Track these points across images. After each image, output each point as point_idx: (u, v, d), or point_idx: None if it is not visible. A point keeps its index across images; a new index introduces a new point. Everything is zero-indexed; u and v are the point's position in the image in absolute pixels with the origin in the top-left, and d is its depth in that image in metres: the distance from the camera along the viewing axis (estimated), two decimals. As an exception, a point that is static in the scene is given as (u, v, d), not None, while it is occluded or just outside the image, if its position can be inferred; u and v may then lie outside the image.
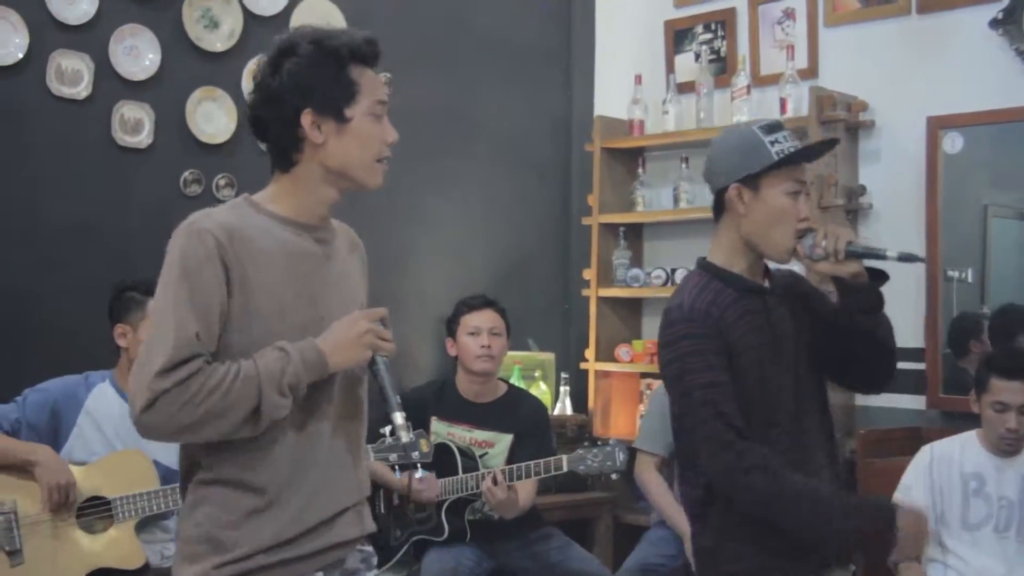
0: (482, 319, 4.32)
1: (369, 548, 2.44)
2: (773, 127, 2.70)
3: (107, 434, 3.59)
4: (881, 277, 2.70)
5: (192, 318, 2.09)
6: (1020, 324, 4.40)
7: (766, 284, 2.77)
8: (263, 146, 2.33)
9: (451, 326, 4.40)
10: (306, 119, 2.20)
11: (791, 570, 2.67)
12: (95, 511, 3.49)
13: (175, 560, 2.25)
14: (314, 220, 2.28)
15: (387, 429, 3.87)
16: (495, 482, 3.96)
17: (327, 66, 2.21)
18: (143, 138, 4.42)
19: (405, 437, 2.24)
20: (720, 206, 2.75)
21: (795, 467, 2.62)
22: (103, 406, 3.62)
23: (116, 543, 3.49)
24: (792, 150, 2.66)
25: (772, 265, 2.81)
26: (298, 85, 2.21)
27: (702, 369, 2.62)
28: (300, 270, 2.22)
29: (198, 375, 2.06)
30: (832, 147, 2.89)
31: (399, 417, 2.25)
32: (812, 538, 2.66)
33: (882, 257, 2.62)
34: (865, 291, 2.67)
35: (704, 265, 2.78)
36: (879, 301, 2.69)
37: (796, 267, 2.90)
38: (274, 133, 2.25)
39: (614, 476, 4.19)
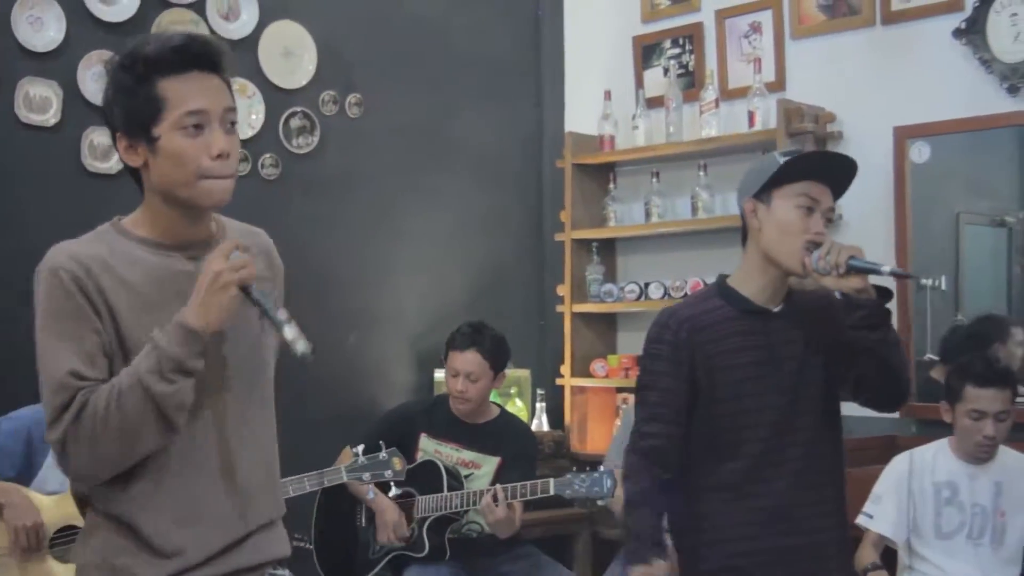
0: (462, 362, 4.21)
1: (283, 572, 2.36)
2: (793, 151, 2.83)
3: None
4: (887, 295, 2.71)
5: (64, 357, 1.98)
6: (998, 333, 4.42)
7: (777, 308, 2.81)
8: None
9: (445, 351, 4.33)
10: (121, 143, 2.06)
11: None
12: (68, 540, 3.47)
13: None
14: (186, 239, 2.12)
15: (359, 448, 3.88)
16: (495, 499, 3.94)
17: (127, 84, 2.02)
18: (113, 164, 4.40)
19: (302, 346, 1.98)
20: (746, 228, 2.84)
21: (758, 480, 2.74)
22: None
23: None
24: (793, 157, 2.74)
25: (798, 284, 2.86)
26: (107, 108, 2.07)
27: (652, 372, 2.82)
28: (171, 291, 2.06)
29: (85, 408, 1.96)
30: (843, 164, 2.82)
31: (289, 331, 2.01)
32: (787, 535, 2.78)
33: (877, 272, 2.63)
34: (868, 307, 2.67)
35: (718, 281, 2.88)
36: (882, 318, 2.70)
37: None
38: (119, 156, 2.12)
39: (600, 503, 4.11)
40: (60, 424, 1.96)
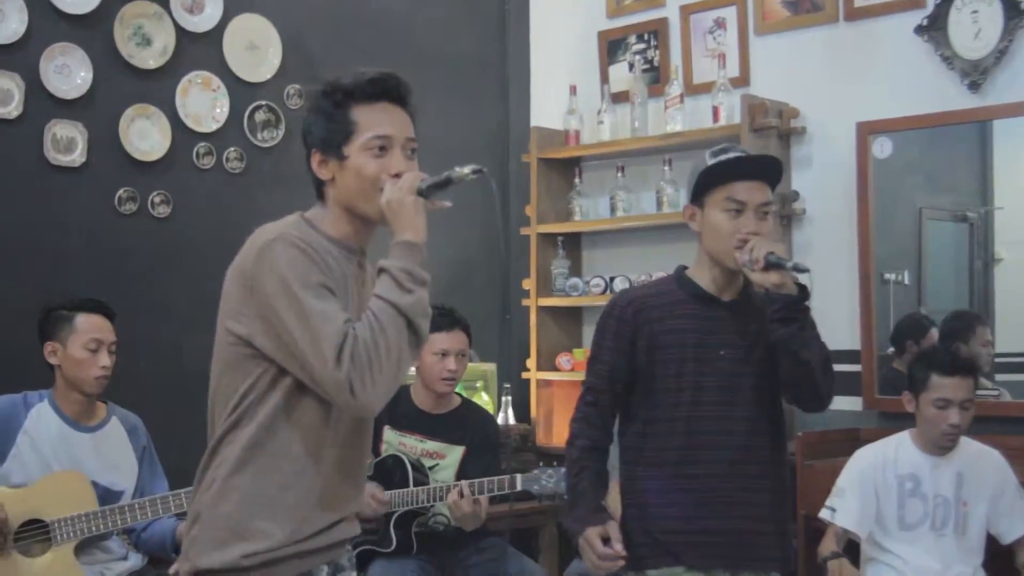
0: (451, 341, 4.23)
1: (350, 548, 2.58)
2: (721, 150, 2.89)
3: (45, 455, 3.55)
4: (805, 292, 2.80)
5: (333, 308, 2.19)
6: (964, 332, 4.47)
7: (729, 299, 2.91)
8: None
9: None
10: (314, 159, 2.36)
11: (682, 557, 2.86)
12: (33, 534, 3.45)
13: (195, 544, 2.29)
14: (358, 245, 2.42)
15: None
16: (461, 495, 3.95)
17: (326, 109, 2.35)
18: (76, 157, 4.38)
19: (471, 168, 2.43)
20: None
21: (694, 462, 2.85)
22: (42, 427, 3.59)
23: (54, 566, 3.45)
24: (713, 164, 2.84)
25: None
26: (307, 129, 2.39)
27: (597, 344, 2.99)
28: (352, 287, 2.37)
29: (356, 343, 2.15)
30: (767, 165, 2.91)
31: (455, 172, 2.42)
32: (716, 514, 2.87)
33: (784, 267, 2.74)
34: (782, 302, 2.77)
35: (677, 270, 3.01)
36: (794, 313, 2.77)
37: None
38: (308, 170, 2.41)
39: (567, 497, 4.11)
40: (343, 363, 2.13)
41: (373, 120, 2.35)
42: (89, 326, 3.64)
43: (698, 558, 2.85)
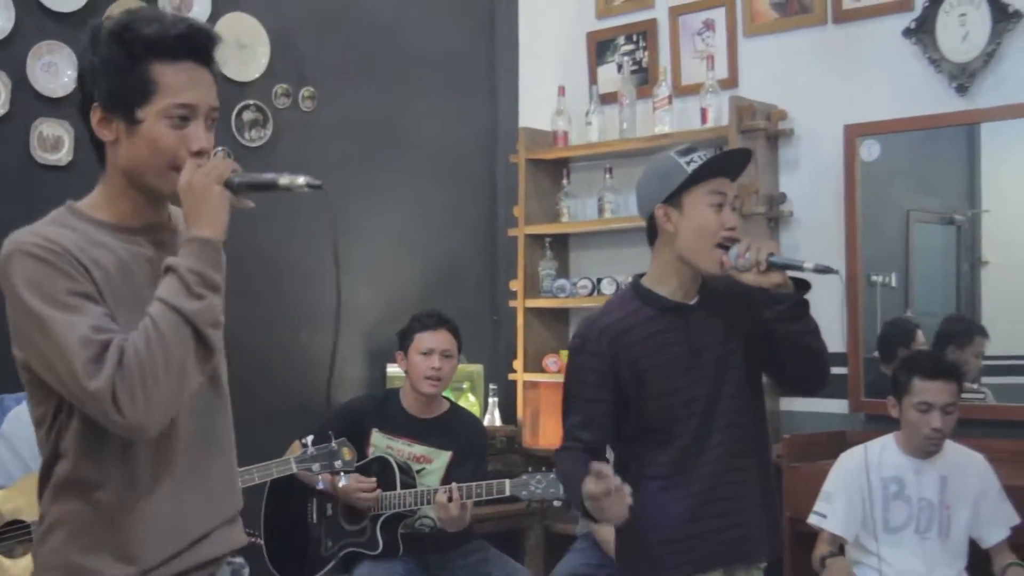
0: (436, 340, 4.25)
1: (239, 559, 2.34)
2: (688, 150, 2.88)
3: (24, 457, 3.53)
4: (804, 287, 2.81)
5: (78, 320, 1.89)
6: (966, 336, 4.47)
7: (693, 301, 2.90)
8: None
9: (404, 341, 4.34)
10: (95, 115, 2.01)
11: (685, 568, 2.85)
12: (15, 535, 3.43)
13: None
14: (146, 222, 2.09)
15: (308, 439, 3.87)
16: (450, 498, 3.95)
17: (119, 60, 1.98)
18: (63, 155, 4.37)
19: (304, 179, 2.03)
20: (653, 231, 2.92)
21: (688, 469, 2.83)
22: (20, 429, 3.56)
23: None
24: (702, 162, 2.81)
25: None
26: (89, 76, 2.02)
27: (575, 382, 2.90)
28: (142, 277, 2.03)
29: (125, 351, 1.87)
30: (743, 157, 2.95)
31: (286, 179, 2.05)
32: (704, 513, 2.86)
33: (799, 268, 2.73)
34: (789, 300, 2.77)
35: (633, 284, 2.96)
36: (803, 309, 2.80)
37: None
38: (84, 124, 2.07)
39: (556, 503, 4.11)
40: (101, 373, 1.85)
41: (177, 83, 1.98)
42: None
43: (696, 563, 2.85)
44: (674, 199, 2.83)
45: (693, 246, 2.82)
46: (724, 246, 2.79)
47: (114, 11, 4.48)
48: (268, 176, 2.07)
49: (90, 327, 1.89)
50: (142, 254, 2.06)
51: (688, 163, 2.82)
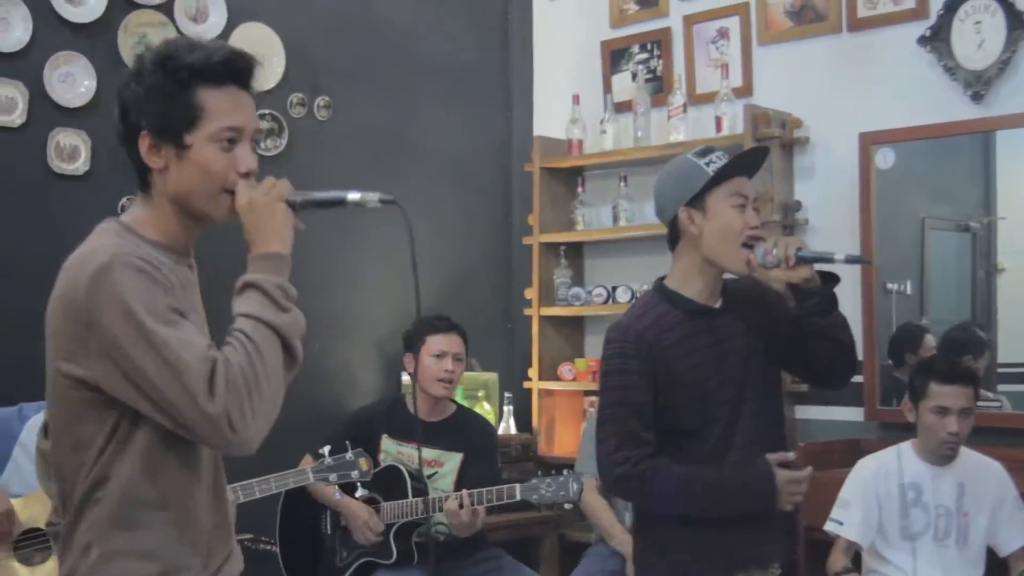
0: (449, 343, 4.28)
1: None
2: (706, 151, 2.87)
3: (43, 466, 3.55)
4: (833, 280, 2.83)
5: (191, 332, 1.92)
6: (974, 347, 4.46)
7: (718, 304, 2.90)
8: None
9: (412, 342, 4.35)
10: (143, 143, 2.03)
11: (703, 572, 2.84)
12: (33, 543, 3.45)
13: None
14: (187, 246, 2.12)
15: (326, 449, 3.88)
16: (461, 505, 3.95)
17: (165, 87, 2.01)
18: (80, 165, 4.39)
19: (375, 196, 2.11)
20: (675, 235, 2.91)
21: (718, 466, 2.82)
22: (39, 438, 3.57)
23: (56, 574, 3.44)
24: (721, 162, 2.82)
25: (728, 277, 2.94)
26: (134, 105, 2.04)
27: (620, 387, 2.82)
28: (192, 298, 2.09)
29: (230, 367, 1.88)
30: (761, 155, 2.96)
31: (354, 195, 2.11)
32: (726, 517, 2.81)
33: (830, 260, 2.76)
34: (819, 294, 2.79)
35: (657, 287, 2.95)
36: (832, 303, 2.83)
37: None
38: (127, 151, 2.10)
39: (567, 506, 4.12)
40: (216, 394, 1.86)
41: (222, 107, 2.02)
42: None
43: (715, 566, 2.85)
44: (697, 201, 2.82)
45: (719, 247, 2.81)
46: (749, 245, 2.79)
47: (131, 22, 4.50)
48: (333, 193, 2.12)
49: (203, 344, 1.90)
50: (188, 277, 2.10)
51: (707, 164, 2.81)
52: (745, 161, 2.88)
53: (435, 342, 4.27)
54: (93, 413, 1.96)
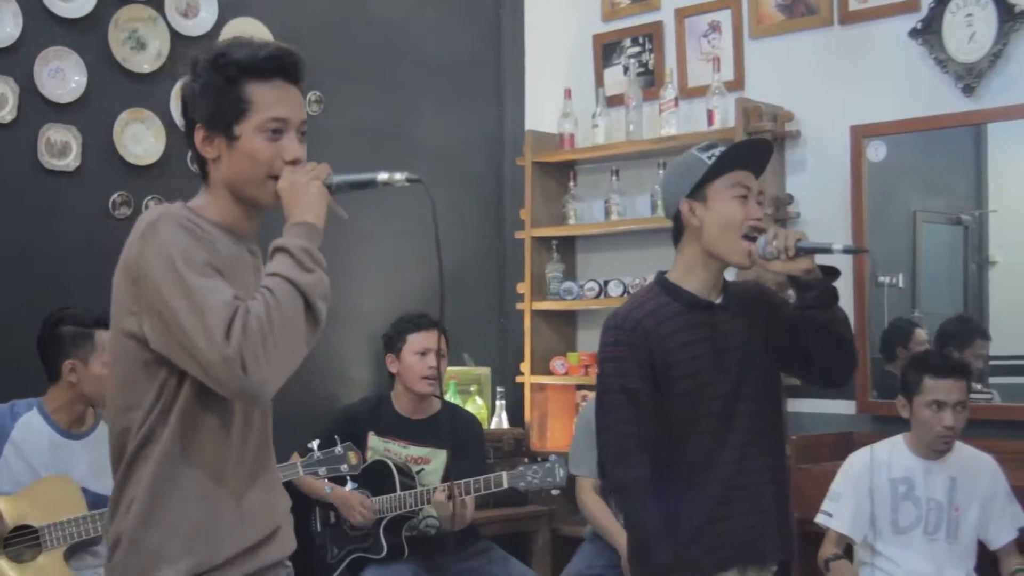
0: (431, 340, 4.29)
1: (290, 565, 2.46)
2: (709, 145, 2.89)
3: (34, 465, 3.53)
4: (833, 273, 2.81)
5: (221, 285, 2.05)
6: (970, 336, 4.47)
7: (718, 300, 2.90)
8: None
9: (393, 343, 4.36)
10: (198, 135, 2.21)
11: (701, 567, 2.84)
12: (22, 540, 3.44)
13: (121, 572, 2.14)
14: (247, 231, 2.28)
15: (314, 443, 3.89)
16: (450, 497, 3.96)
17: (216, 83, 2.18)
18: (70, 161, 4.38)
19: (402, 175, 2.35)
20: (679, 228, 2.91)
21: (707, 467, 2.83)
22: (30, 436, 3.56)
23: (45, 571, 3.44)
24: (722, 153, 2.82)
25: (731, 278, 2.95)
26: (190, 101, 2.23)
27: (618, 374, 2.85)
28: (244, 275, 2.21)
29: (249, 316, 2.00)
30: (766, 151, 2.96)
31: (383, 175, 2.33)
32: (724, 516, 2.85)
33: (828, 251, 2.74)
34: (819, 286, 2.78)
35: (659, 280, 2.95)
36: (833, 296, 2.81)
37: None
38: (189, 144, 2.27)
39: (555, 492, 4.16)
40: (232, 338, 1.98)
41: (269, 100, 2.19)
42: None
43: (711, 562, 2.85)
44: (698, 192, 2.84)
45: (719, 238, 2.82)
46: (751, 237, 2.79)
47: (121, 17, 4.49)
48: (365, 175, 2.33)
49: (230, 293, 2.04)
50: (245, 258, 2.24)
51: (709, 157, 2.83)
52: (744, 153, 2.88)
53: (417, 340, 4.28)
54: (145, 372, 2.12)
